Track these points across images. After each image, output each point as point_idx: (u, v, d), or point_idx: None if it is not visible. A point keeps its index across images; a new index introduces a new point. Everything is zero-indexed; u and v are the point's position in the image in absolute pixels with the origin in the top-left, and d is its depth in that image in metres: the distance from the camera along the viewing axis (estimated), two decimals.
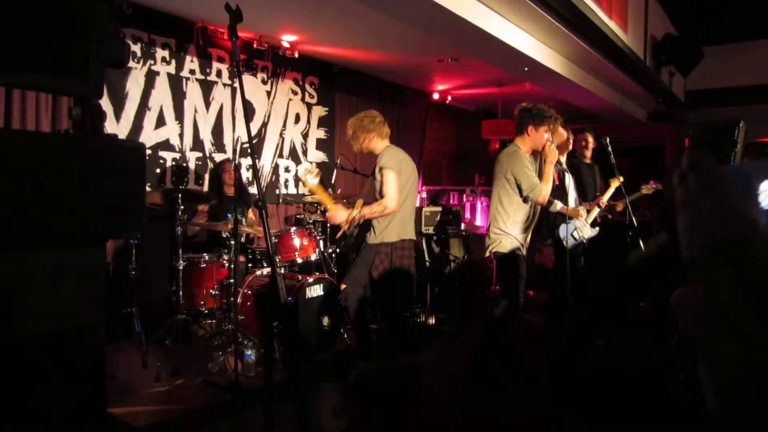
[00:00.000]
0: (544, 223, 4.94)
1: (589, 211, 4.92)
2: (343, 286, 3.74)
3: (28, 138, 0.98)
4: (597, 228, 4.97)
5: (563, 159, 5.04)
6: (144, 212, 1.06)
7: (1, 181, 0.87)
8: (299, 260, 4.49)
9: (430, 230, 6.28)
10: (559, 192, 4.89)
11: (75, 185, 0.94)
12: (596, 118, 9.37)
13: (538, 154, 4.14)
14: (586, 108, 8.52)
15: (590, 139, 5.23)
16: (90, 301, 1.01)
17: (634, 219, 4.80)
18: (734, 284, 0.51)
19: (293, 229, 4.60)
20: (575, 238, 4.80)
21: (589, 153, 5.27)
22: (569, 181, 5.01)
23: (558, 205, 4.81)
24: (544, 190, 3.77)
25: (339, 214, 3.63)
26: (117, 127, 4.66)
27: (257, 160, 5.84)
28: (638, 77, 7.70)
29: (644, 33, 7.54)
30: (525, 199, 3.85)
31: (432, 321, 5.46)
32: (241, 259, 4.45)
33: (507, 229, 3.82)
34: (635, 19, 7.26)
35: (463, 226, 6.80)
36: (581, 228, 4.82)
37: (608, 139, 4.81)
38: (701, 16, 9.47)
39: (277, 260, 4.27)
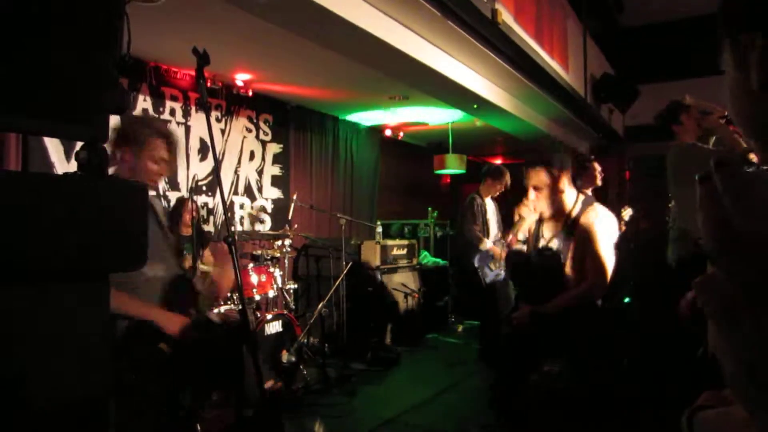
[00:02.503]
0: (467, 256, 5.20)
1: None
2: None
3: (41, 179, 1.05)
4: None
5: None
6: (146, 247, 1.12)
7: (15, 220, 0.92)
8: (257, 297, 4.46)
9: (386, 264, 6.35)
10: (483, 228, 5.16)
11: (84, 223, 1.00)
12: (541, 152, 9.76)
13: None
14: (532, 143, 8.87)
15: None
16: (95, 335, 1.04)
17: None
18: (742, 277, 0.56)
19: (251, 265, 4.58)
20: (491, 269, 5.04)
21: None
22: (492, 215, 5.29)
23: (487, 244, 5.05)
24: None
25: None
26: (68, 167, 4.58)
27: (212, 198, 5.81)
28: (580, 114, 8.11)
29: (584, 72, 7.99)
30: None
31: (391, 354, 5.47)
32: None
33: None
34: (576, 59, 7.68)
35: (416, 260, 6.90)
36: (497, 261, 5.08)
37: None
38: (635, 57, 10.11)
39: (236, 298, 4.23)
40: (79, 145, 1.10)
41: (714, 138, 3.99)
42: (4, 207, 0.89)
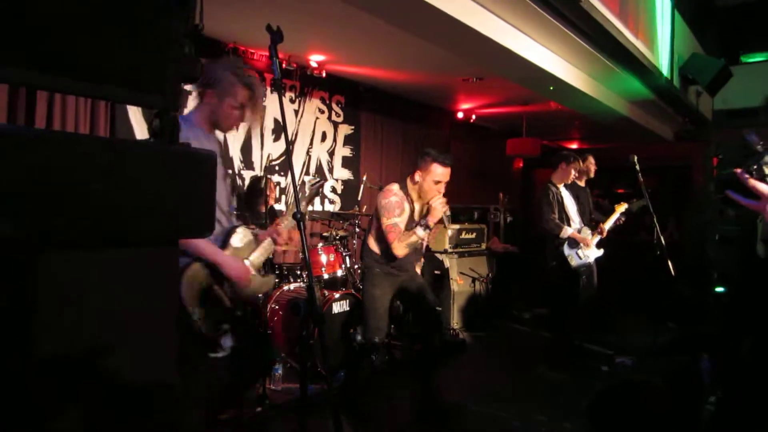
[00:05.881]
0: (549, 244, 5.03)
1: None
2: None
3: (120, 145, 1.09)
4: (602, 249, 5.06)
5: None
6: (215, 213, 1.14)
7: (101, 182, 0.95)
8: (326, 276, 4.53)
9: (454, 248, 6.29)
10: (562, 216, 4.97)
11: (158, 187, 1.03)
12: (620, 136, 9.33)
13: None
14: (611, 126, 8.49)
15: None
16: (165, 299, 1.07)
17: (662, 238, 4.74)
18: None
19: (320, 245, 4.66)
20: (580, 257, 4.87)
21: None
22: (569, 202, 5.07)
23: (568, 231, 4.87)
24: None
25: None
26: None
27: (285, 177, 5.93)
28: (664, 96, 7.67)
29: (671, 52, 7.53)
30: None
31: (457, 339, 5.44)
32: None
33: None
34: (662, 39, 7.26)
35: (485, 244, 6.80)
36: (585, 249, 4.91)
37: (636, 158, 4.78)
38: (727, 37, 9.42)
39: (304, 275, 4.33)
40: None
41: None
42: (74, 170, 0.92)
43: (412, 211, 3.53)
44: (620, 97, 7.37)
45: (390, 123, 7.35)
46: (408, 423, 3.52)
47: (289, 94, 6.05)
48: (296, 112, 6.15)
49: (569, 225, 4.93)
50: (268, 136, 5.80)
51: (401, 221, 3.42)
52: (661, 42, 7.20)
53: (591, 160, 5.59)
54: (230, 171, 2.78)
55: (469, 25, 4.22)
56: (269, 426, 3.26)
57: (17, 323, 0.94)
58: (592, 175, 5.58)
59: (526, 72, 5.53)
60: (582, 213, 5.23)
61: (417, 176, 3.51)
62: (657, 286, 5.25)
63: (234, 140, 5.50)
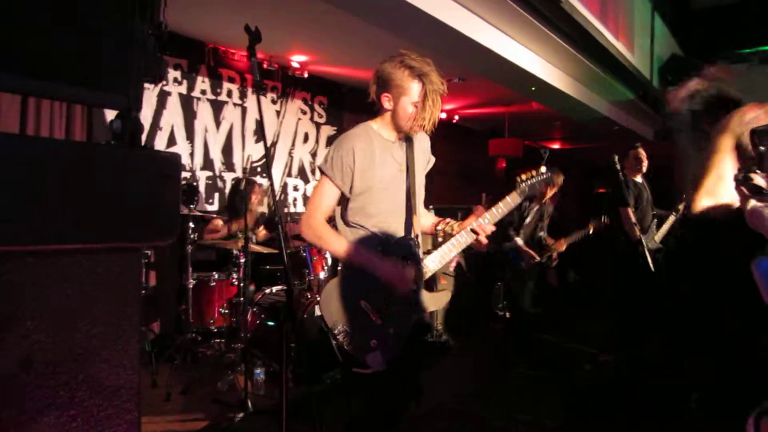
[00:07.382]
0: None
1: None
2: None
3: (76, 147, 1.04)
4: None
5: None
6: (179, 218, 1.09)
7: (55, 186, 0.91)
8: (311, 277, 4.49)
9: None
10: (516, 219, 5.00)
11: (116, 191, 0.99)
12: (601, 137, 9.41)
13: None
14: (592, 126, 8.56)
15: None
16: (126, 306, 1.03)
17: (643, 238, 4.75)
18: None
19: (302, 247, 4.61)
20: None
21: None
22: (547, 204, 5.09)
23: (519, 242, 4.94)
24: None
25: None
26: None
27: (266, 179, 5.88)
28: (644, 97, 7.75)
29: (651, 54, 7.61)
30: None
31: (440, 339, 5.44)
32: (251, 286, 4.40)
33: None
34: (642, 41, 7.33)
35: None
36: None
37: (617, 158, 4.79)
38: (706, 38, 9.54)
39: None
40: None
41: None
42: (27, 173, 0.88)
43: None
44: (601, 97, 7.43)
45: None
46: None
47: (270, 95, 6.00)
48: (278, 112, 6.10)
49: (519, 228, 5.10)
50: (250, 138, 5.75)
51: None
52: (641, 43, 7.27)
53: (641, 152, 4.95)
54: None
55: (449, 24, 4.23)
56: (250, 431, 3.21)
57: None
58: (644, 169, 4.99)
59: (507, 72, 5.55)
60: (644, 212, 4.89)
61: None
62: (640, 284, 5.27)
63: (215, 142, 5.44)
